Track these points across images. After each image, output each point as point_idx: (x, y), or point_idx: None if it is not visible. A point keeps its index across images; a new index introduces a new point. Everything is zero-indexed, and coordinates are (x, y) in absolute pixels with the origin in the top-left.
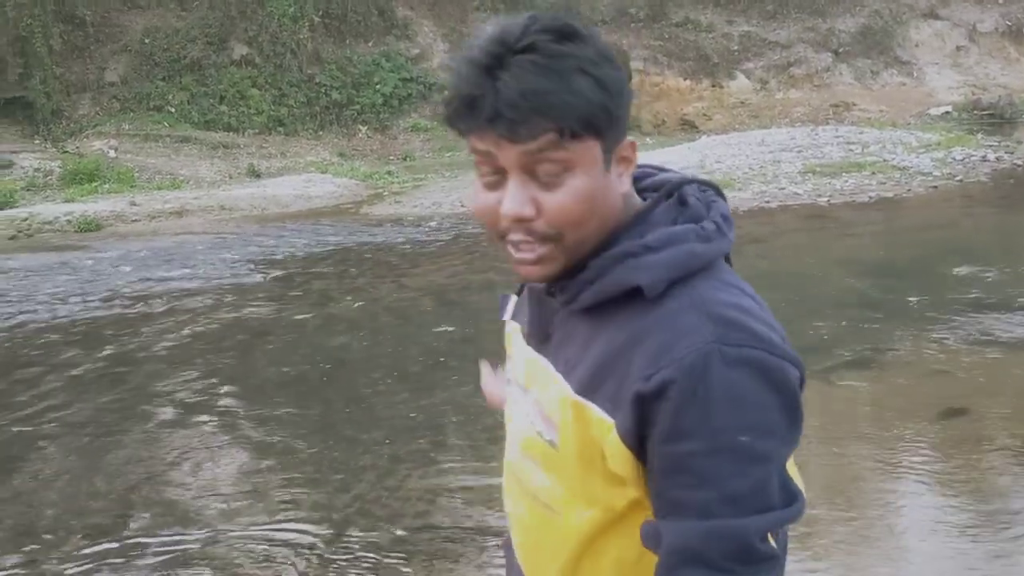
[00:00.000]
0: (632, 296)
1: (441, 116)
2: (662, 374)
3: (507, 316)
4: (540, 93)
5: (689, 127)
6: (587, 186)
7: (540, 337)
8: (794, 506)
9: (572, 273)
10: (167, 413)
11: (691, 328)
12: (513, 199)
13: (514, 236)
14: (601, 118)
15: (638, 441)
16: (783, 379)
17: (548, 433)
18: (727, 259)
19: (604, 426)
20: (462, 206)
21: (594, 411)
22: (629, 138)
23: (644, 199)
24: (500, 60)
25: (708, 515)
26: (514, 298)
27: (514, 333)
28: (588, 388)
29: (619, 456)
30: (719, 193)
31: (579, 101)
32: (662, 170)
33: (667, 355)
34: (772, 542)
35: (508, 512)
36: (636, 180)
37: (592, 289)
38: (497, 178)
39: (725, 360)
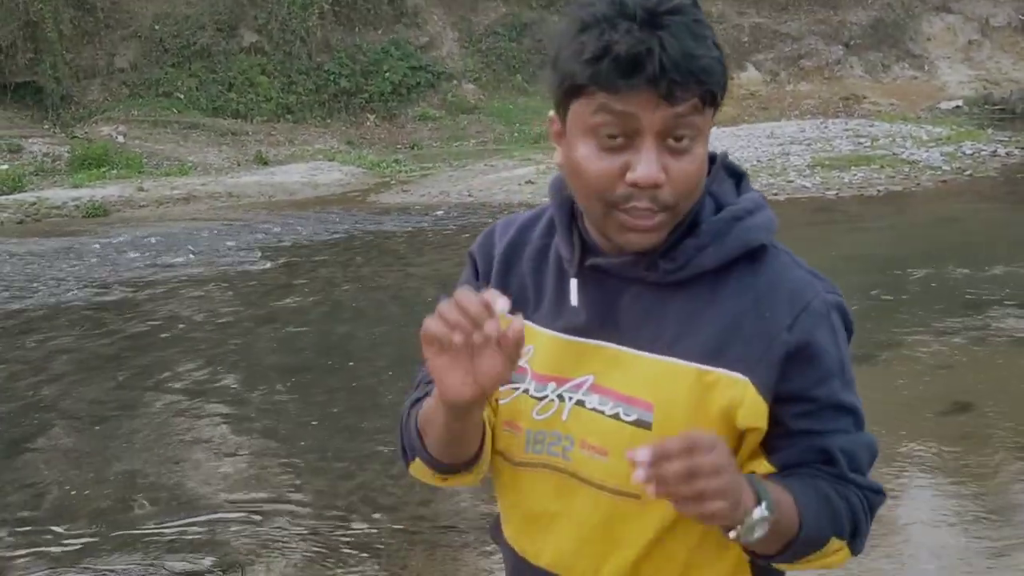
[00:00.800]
0: (737, 260)
1: (577, 70)
2: (803, 324)
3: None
4: (697, 57)
5: None
6: (704, 156)
7: (596, 322)
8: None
9: (675, 241)
10: (172, 398)
11: (806, 281)
12: (650, 163)
13: (637, 203)
14: (725, 90)
15: (773, 395)
16: (850, 317)
17: (632, 413)
18: None
19: (738, 386)
20: (469, 196)
21: (722, 374)
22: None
23: None
24: (656, 19)
25: (851, 431)
26: (575, 285)
27: (525, 325)
28: (712, 354)
29: (756, 411)
30: None
31: (720, 69)
32: None
33: (798, 306)
34: None
35: (532, 515)
36: None
37: (710, 252)
38: (622, 142)
39: (831, 305)
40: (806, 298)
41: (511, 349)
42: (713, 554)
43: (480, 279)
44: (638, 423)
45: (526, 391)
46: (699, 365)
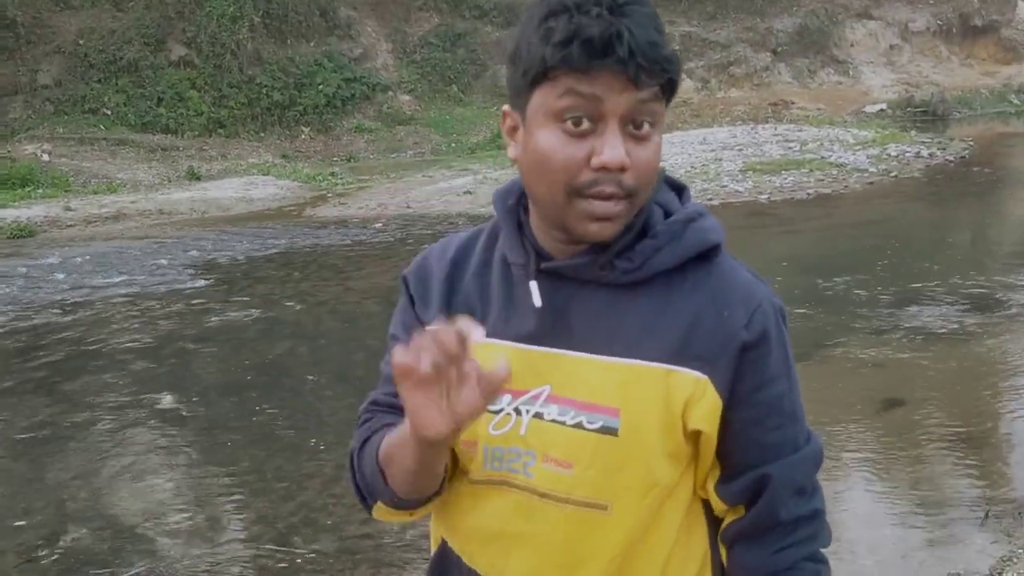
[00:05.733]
0: (689, 262)
1: (547, 53)
2: (757, 322)
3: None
4: (660, 45)
5: None
6: (660, 146)
7: (545, 328)
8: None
9: (629, 242)
10: (105, 424)
11: (751, 283)
12: (617, 146)
13: (604, 187)
14: (677, 85)
15: (728, 393)
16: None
17: (597, 421)
18: None
19: (699, 384)
20: (408, 207)
21: (685, 373)
22: None
23: None
24: (620, 7)
25: (797, 447)
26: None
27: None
28: (675, 353)
29: (710, 411)
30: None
31: (677, 60)
32: None
33: (750, 306)
34: None
35: (489, 535)
36: None
37: (666, 251)
38: (587, 127)
39: (775, 308)
40: (758, 298)
41: (491, 387)
42: (681, 570)
43: (416, 303)
44: (604, 430)
45: (490, 408)
46: (663, 365)
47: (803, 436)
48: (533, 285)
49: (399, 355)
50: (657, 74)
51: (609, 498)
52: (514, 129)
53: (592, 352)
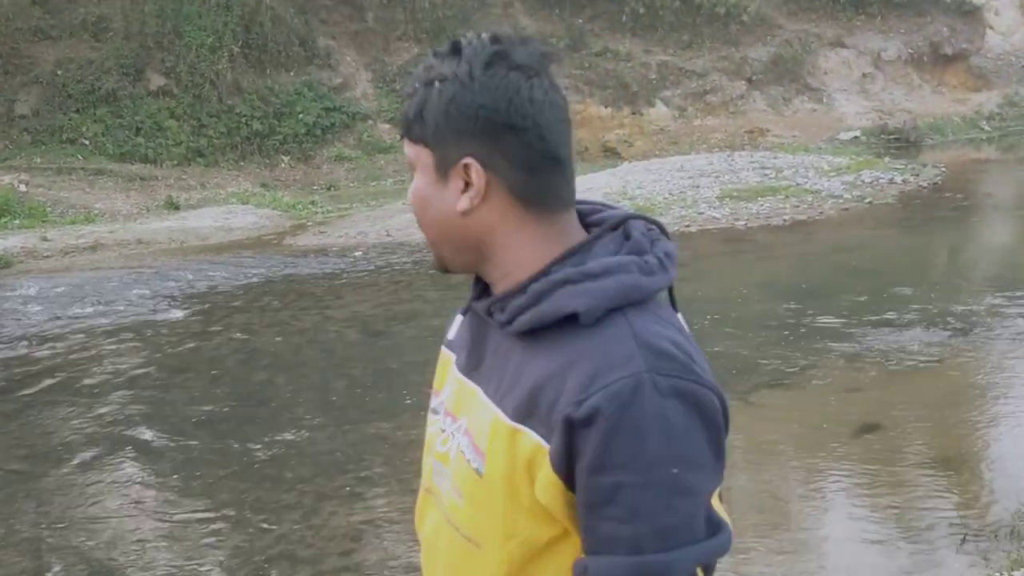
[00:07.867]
0: (569, 321)
1: None
2: (592, 400)
3: (445, 343)
4: (408, 111)
5: (611, 154)
6: (419, 188)
7: (473, 362)
8: (720, 536)
9: (509, 295)
10: (82, 457)
11: (624, 356)
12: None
13: None
14: (417, 128)
15: (567, 468)
16: (712, 411)
17: (475, 461)
18: (671, 296)
19: (540, 452)
20: (388, 235)
21: (529, 436)
22: (473, 162)
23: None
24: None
25: (638, 551)
26: (458, 320)
27: (450, 361)
28: (523, 413)
29: (549, 484)
30: (664, 232)
31: (410, 108)
32: (608, 207)
33: (598, 382)
34: (701, 574)
35: (426, 543)
36: (582, 216)
37: (529, 313)
38: None
39: (658, 390)
40: (612, 374)
41: None
42: None
43: (450, 327)
44: (476, 471)
45: (442, 427)
46: (512, 422)
47: (649, 542)
48: (458, 319)
49: None
50: (401, 122)
51: (480, 537)
52: None
53: (487, 393)
